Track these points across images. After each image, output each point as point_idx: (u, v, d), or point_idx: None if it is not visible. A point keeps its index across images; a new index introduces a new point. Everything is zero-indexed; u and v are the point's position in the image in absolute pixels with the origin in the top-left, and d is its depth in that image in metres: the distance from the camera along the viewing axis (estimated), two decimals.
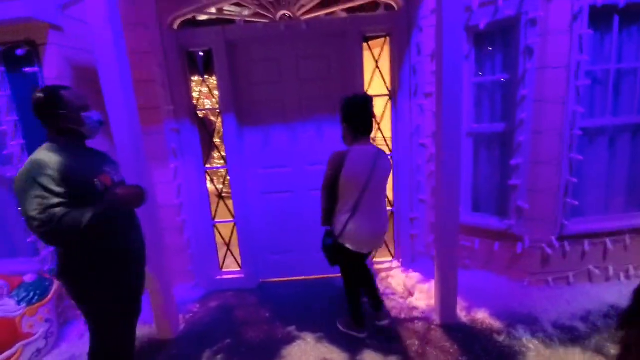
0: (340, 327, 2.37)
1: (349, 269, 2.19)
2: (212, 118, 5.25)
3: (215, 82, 2.79)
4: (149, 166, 2.62)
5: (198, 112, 2.87)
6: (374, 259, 3.13)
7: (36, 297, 2.34)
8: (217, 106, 2.85)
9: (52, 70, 2.23)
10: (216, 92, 3.33)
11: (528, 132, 2.34)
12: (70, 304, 2.57)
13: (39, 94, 1.44)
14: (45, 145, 1.45)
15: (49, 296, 2.39)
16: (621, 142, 2.44)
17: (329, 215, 2.05)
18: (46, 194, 1.30)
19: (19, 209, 1.34)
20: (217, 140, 5.44)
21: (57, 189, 1.32)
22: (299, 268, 3.14)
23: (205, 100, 5.46)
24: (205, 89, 4.46)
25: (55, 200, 1.30)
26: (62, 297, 2.54)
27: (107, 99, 2.03)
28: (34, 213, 1.28)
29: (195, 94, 2.84)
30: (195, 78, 3.96)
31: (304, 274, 3.14)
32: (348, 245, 2.00)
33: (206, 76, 4.12)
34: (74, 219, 1.31)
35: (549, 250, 2.48)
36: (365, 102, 1.92)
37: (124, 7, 2.53)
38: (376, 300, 2.31)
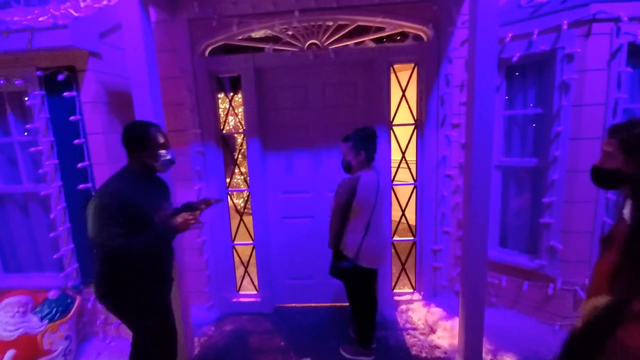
0: (346, 355, 2.33)
1: (364, 289, 2.25)
2: (236, 136, 5.35)
3: (240, 99, 2.83)
4: (175, 186, 2.67)
5: (223, 132, 2.92)
6: (394, 290, 3.04)
7: (58, 314, 2.38)
8: (241, 123, 2.88)
9: (88, 95, 2.32)
10: (240, 110, 3.41)
11: (563, 170, 2.24)
12: (89, 320, 2.60)
13: (131, 128, 1.65)
14: (121, 172, 1.67)
15: (70, 314, 2.42)
16: None
17: (339, 237, 2.16)
18: (112, 223, 1.48)
19: (89, 229, 1.53)
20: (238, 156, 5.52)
21: (122, 220, 1.49)
22: (316, 294, 3.08)
23: (230, 117, 5.59)
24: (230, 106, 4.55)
25: (119, 230, 1.48)
26: (82, 314, 2.57)
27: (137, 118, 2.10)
28: (99, 239, 1.49)
29: (220, 111, 2.92)
30: (221, 95, 4.06)
31: (321, 301, 3.09)
32: (365, 264, 2.13)
33: (231, 93, 4.20)
34: (137, 247, 1.51)
35: (582, 294, 2.34)
36: (371, 134, 2.14)
37: (159, 34, 2.64)
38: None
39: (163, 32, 2.66)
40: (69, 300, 2.45)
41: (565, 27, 2.09)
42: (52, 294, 2.43)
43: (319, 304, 3.09)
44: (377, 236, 2.16)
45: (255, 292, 3.08)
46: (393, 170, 2.85)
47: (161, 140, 1.68)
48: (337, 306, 3.04)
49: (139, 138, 1.64)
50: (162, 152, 1.67)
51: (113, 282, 1.63)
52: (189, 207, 1.96)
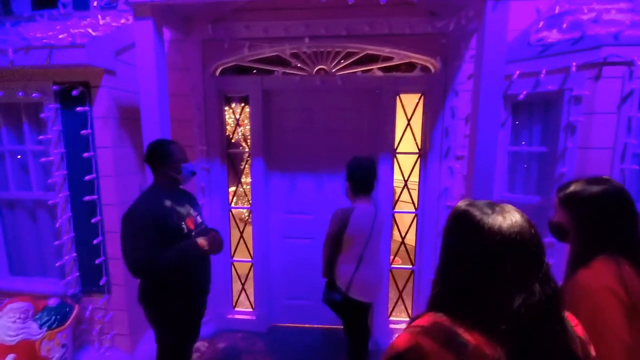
0: None
1: (355, 321, 2.20)
2: (243, 144, 5.44)
3: (248, 110, 2.89)
4: None
5: (229, 150, 2.97)
6: (390, 317, 3.00)
7: (56, 323, 2.43)
8: (245, 137, 2.93)
9: (100, 110, 2.40)
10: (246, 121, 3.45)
11: None
12: (86, 329, 2.65)
13: (154, 146, 1.84)
14: (150, 189, 1.86)
15: (68, 322, 2.47)
16: None
17: (331, 268, 2.13)
18: (142, 237, 1.65)
19: (121, 241, 1.71)
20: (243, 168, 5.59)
21: (152, 234, 1.67)
22: (311, 316, 3.08)
23: (240, 128, 5.69)
24: (241, 117, 4.64)
25: (149, 243, 1.66)
26: (79, 323, 2.62)
27: (145, 137, 2.17)
28: (130, 251, 1.66)
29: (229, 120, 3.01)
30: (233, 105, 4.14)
31: (317, 322, 3.08)
32: (356, 297, 2.08)
33: (242, 103, 4.29)
34: (161, 261, 1.67)
35: None
36: (371, 165, 2.09)
37: (172, 53, 2.71)
38: None
39: (176, 51, 2.74)
40: (67, 309, 2.51)
41: (574, 69, 2.06)
42: (52, 302, 2.49)
43: (314, 325, 3.08)
44: (371, 269, 2.11)
45: (251, 310, 3.09)
46: (396, 195, 2.84)
47: (181, 154, 1.87)
48: (332, 328, 3.01)
49: (162, 155, 1.82)
50: (184, 165, 1.87)
51: (147, 288, 1.83)
52: (205, 229, 2.03)
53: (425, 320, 0.83)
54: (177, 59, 2.73)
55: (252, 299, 3.10)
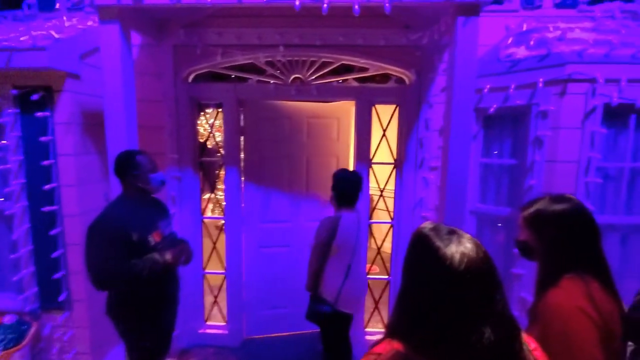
0: None
1: (340, 334, 2.20)
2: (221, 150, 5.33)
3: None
4: None
5: (202, 159, 2.89)
6: (366, 329, 2.98)
7: (12, 342, 2.28)
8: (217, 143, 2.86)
9: (63, 115, 2.28)
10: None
11: None
12: (44, 347, 2.49)
13: (121, 158, 1.82)
14: (117, 199, 1.84)
15: (25, 341, 2.32)
16: (633, 241, 2.31)
17: (317, 279, 2.10)
18: (107, 249, 1.62)
19: (85, 252, 1.67)
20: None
21: (117, 246, 1.64)
22: (288, 323, 3.07)
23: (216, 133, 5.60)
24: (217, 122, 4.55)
25: (114, 255, 1.62)
26: (38, 341, 2.46)
27: (109, 144, 2.07)
28: (94, 263, 1.63)
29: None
30: (210, 110, 4.06)
31: (293, 328, 3.07)
32: (344, 309, 2.09)
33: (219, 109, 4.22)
34: (125, 274, 1.64)
35: None
36: (357, 180, 2.17)
37: (143, 57, 2.63)
38: None
39: (147, 56, 2.65)
40: (24, 327, 2.35)
41: (540, 84, 2.12)
42: (7, 319, 2.34)
43: (290, 333, 3.06)
44: (357, 280, 2.15)
45: (223, 324, 3.00)
46: (373, 203, 2.85)
47: (150, 165, 1.84)
48: (308, 333, 2.99)
49: (129, 166, 1.79)
50: (152, 175, 1.83)
51: (115, 301, 1.79)
52: (174, 240, 2.00)
53: (384, 348, 0.80)
54: (149, 64, 2.65)
55: (224, 312, 3.01)
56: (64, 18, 2.54)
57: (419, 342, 0.74)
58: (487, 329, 0.69)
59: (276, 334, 3.05)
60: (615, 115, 2.15)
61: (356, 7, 1.82)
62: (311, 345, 2.86)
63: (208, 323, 3.01)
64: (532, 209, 1.20)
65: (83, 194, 2.38)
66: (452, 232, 0.77)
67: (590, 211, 1.16)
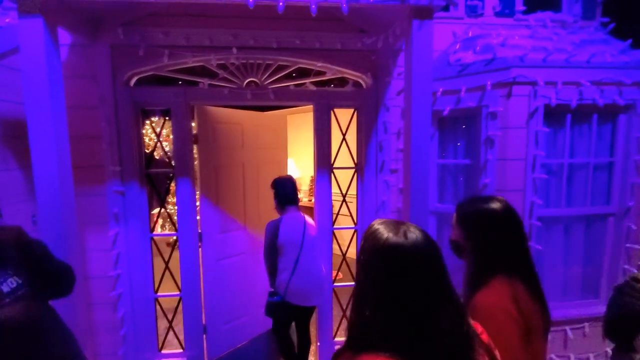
0: None
1: (288, 325, 2.52)
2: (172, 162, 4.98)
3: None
4: (82, 232, 2.32)
5: (149, 170, 2.63)
6: (335, 338, 2.89)
7: None
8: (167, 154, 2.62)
9: None
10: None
11: None
12: None
13: None
14: None
15: None
16: (575, 231, 2.52)
17: (273, 276, 2.41)
18: None
19: None
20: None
21: None
22: (248, 331, 3.08)
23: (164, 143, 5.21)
24: (164, 131, 4.23)
25: None
26: None
27: (34, 157, 1.79)
28: None
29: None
30: (156, 118, 3.75)
31: (253, 333, 3.11)
32: (293, 301, 2.35)
33: (166, 117, 3.92)
34: None
35: None
36: (291, 182, 2.51)
37: (75, 58, 2.35)
38: None
39: (80, 57, 2.36)
40: None
41: (489, 87, 2.24)
42: None
43: (252, 338, 3.10)
44: (306, 275, 2.35)
45: (180, 350, 2.72)
46: (335, 209, 2.81)
47: None
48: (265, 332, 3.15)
49: None
50: None
51: None
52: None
53: None
54: (82, 66, 2.36)
55: (181, 338, 2.73)
56: None
57: (380, 340, 0.73)
58: (443, 313, 0.73)
59: (238, 345, 3.01)
60: (554, 115, 2.34)
61: (313, 6, 1.77)
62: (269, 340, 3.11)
63: (163, 352, 2.71)
64: (463, 209, 1.23)
65: (4, 217, 2.02)
66: (400, 224, 0.81)
67: (518, 214, 1.19)
